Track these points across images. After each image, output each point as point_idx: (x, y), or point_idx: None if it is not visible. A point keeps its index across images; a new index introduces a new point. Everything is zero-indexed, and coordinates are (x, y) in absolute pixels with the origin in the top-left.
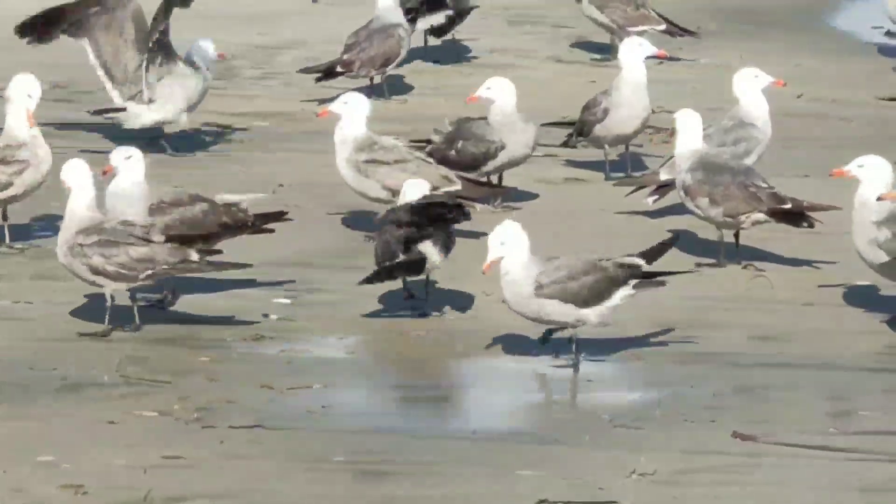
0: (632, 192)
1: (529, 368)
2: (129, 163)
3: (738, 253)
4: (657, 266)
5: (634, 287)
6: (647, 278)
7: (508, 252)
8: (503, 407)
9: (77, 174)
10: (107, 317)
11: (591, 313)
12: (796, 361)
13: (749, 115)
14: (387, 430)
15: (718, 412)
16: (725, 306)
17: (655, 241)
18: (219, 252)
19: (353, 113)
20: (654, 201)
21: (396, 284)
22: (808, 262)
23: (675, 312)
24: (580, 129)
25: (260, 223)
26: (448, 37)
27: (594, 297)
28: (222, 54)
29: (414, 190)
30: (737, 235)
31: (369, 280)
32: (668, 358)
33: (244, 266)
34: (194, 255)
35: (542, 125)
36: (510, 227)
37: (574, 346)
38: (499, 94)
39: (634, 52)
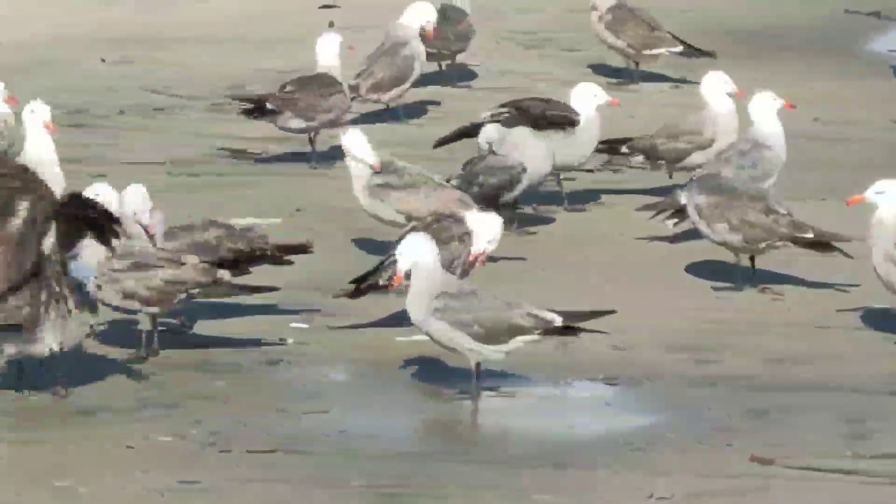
0: (655, 216)
1: (544, 392)
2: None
3: (755, 276)
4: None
5: (539, 335)
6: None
7: (415, 265)
8: (519, 431)
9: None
10: (143, 339)
11: (484, 349)
12: (812, 384)
13: (765, 137)
14: (404, 454)
15: (734, 435)
16: (741, 329)
17: (673, 265)
18: (248, 272)
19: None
20: (675, 224)
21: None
22: (824, 285)
23: (691, 335)
24: (651, 152)
25: (280, 254)
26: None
27: (489, 337)
28: (352, 47)
29: None
30: (752, 258)
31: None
32: (683, 381)
33: (272, 289)
34: (227, 276)
35: (600, 148)
36: (416, 239)
37: (474, 375)
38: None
39: (717, 86)
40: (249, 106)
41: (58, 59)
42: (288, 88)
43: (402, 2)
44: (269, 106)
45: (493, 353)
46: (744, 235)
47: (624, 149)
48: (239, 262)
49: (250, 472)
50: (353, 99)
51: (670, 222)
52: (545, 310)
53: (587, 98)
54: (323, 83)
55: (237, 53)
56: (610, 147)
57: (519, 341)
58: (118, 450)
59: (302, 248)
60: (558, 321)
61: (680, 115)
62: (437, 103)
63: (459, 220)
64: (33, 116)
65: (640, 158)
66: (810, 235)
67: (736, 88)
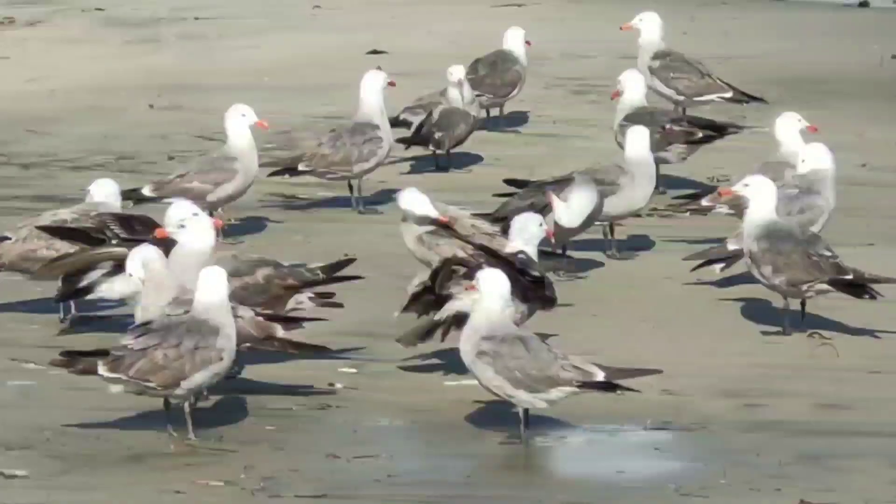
0: (698, 267)
1: (593, 437)
2: (191, 231)
3: (804, 321)
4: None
5: (578, 387)
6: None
7: (482, 298)
8: (569, 476)
9: (147, 259)
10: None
11: (523, 397)
12: (862, 429)
13: (813, 183)
14: (453, 498)
15: (784, 481)
16: (791, 374)
17: (722, 311)
18: (300, 327)
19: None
20: (722, 269)
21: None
22: (874, 330)
23: (740, 380)
24: (737, 202)
25: (330, 276)
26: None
27: (527, 385)
28: (392, 83)
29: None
30: (803, 304)
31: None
32: (733, 426)
33: (324, 350)
34: (280, 332)
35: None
36: (490, 274)
37: (522, 420)
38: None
39: (791, 125)
40: (279, 168)
41: (106, 106)
42: (322, 143)
43: (447, 49)
44: (300, 168)
45: (534, 402)
46: (787, 277)
47: (705, 201)
48: (292, 294)
49: None
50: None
51: (717, 267)
52: (590, 363)
53: (642, 141)
54: (356, 131)
55: (285, 100)
56: (692, 199)
57: (558, 392)
58: (168, 495)
59: (348, 263)
60: (600, 376)
61: (761, 163)
62: (487, 149)
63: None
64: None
65: (724, 209)
66: (849, 277)
67: (808, 124)
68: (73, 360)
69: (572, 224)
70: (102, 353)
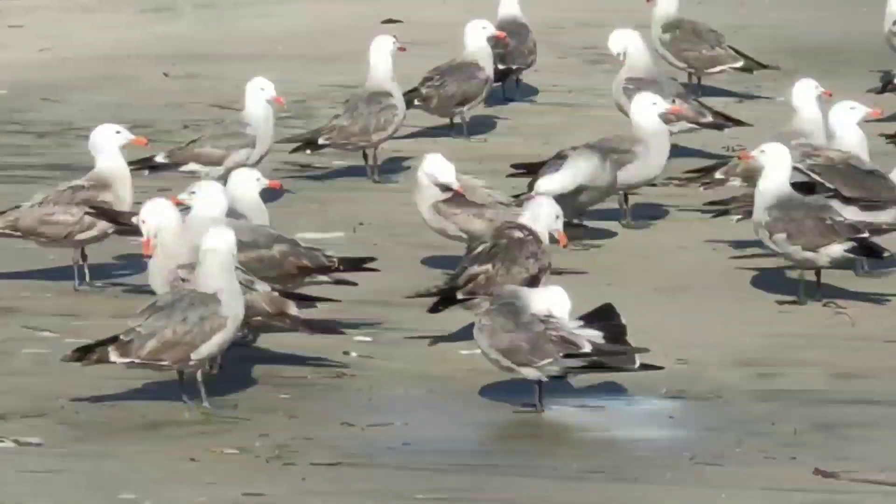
0: (717, 215)
1: (608, 406)
2: (203, 197)
3: (819, 290)
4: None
5: (565, 360)
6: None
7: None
8: (584, 445)
9: (161, 215)
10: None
11: (518, 370)
12: (877, 399)
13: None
14: (468, 467)
15: (799, 449)
16: (805, 343)
17: (736, 280)
18: (314, 306)
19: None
20: (738, 220)
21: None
22: (889, 300)
23: (756, 350)
24: (750, 173)
25: (346, 267)
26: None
27: (516, 359)
28: (402, 48)
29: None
30: (818, 273)
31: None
32: (748, 395)
33: (335, 331)
34: (293, 310)
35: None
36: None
37: (538, 389)
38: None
39: (808, 92)
40: (300, 144)
41: (121, 75)
42: (339, 115)
43: (464, 18)
44: (321, 142)
45: (530, 373)
46: (802, 243)
47: (719, 174)
48: (304, 276)
49: (314, 485)
50: (414, 103)
51: (734, 217)
52: (581, 336)
53: (648, 108)
54: (371, 101)
55: (300, 69)
56: (704, 173)
57: (540, 366)
58: (182, 463)
59: (368, 260)
60: (586, 349)
61: (775, 132)
62: (502, 119)
63: (536, 237)
64: (119, 137)
65: (737, 182)
66: (865, 235)
67: (823, 89)
68: (85, 353)
69: (550, 188)
70: (112, 341)
